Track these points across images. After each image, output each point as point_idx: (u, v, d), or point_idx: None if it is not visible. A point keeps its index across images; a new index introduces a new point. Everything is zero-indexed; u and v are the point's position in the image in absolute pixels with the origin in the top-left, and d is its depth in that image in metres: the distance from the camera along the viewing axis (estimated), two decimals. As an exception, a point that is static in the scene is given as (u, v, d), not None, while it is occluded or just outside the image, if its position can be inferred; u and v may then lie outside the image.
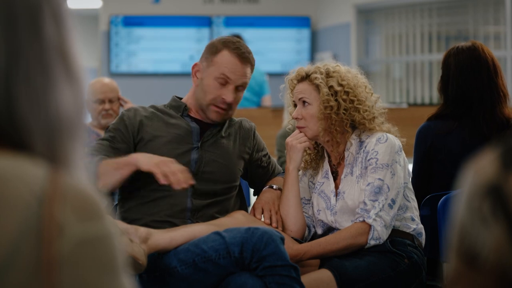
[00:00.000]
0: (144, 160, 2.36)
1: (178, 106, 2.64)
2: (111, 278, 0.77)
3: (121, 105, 3.92)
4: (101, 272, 0.76)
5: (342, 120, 2.53)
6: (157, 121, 2.58)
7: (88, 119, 3.97)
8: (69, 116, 0.81)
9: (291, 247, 2.39)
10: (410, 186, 2.59)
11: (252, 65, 2.61)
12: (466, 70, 2.88)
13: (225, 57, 2.56)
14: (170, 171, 2.28)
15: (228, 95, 2.55)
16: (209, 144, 2.59)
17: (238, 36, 5.00)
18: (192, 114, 2.64)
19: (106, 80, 3.99)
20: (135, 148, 2.53)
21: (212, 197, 2.54)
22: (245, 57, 2.57)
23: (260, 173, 2.77)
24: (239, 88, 2.58)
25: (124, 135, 2.53)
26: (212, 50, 2.59)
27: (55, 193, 0.76)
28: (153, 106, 2.66)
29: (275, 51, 9.50)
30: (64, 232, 0.75)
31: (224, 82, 2.55)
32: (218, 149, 2.60)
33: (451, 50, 2.95)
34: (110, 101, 3.87)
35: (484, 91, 2.85)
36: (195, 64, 2.63)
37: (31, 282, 0.74)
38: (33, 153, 0.79)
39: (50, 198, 0.76)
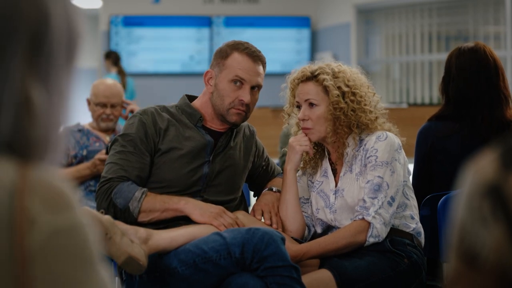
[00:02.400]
0: (196, 212, 2.43)
1: (192, 115, 2.61)
2: (85, 268, 0.78)
3: (123, 107, 3.81)
4: (74, 262, 0.77)
5: (350, 121, 2.52)
6: (173, 130, 2.56)
7: (86, 117, 3.89)
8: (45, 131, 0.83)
9: (290, 248, 2.38)
10: (410, 184, 2.59)
11: (264, 63, 2.61)
12: (466, 72, 2.87)
13: (237, 59, 2.55)
14: (228, 223, 2.42)
15: (245, 95, 2.54)
16: (220, 157, 2.59)
17: None
18: (206, 124, 2.62)
19: (110, 82, 3.78)
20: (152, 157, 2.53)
21: None
22: (256, 55, 2.57)
23: (260, 176, 2.78)
24: (254, 89, 2.58)
25: (147, 145, 2.52)
26: (222, 54, 2.58)
27: (25, 186, 0.77)
28: (165, 109, 2.62)
29: (275, 51, 9.49)
30: (36, 224, 0.76)
31: (239, 83, 2.54)
32: (227, 161, 2.60)
33: (454, 51, 2.95)
34: (112, 106, 3.69)
35: (483, 93, 2.84)
36: (207, 72, 2.60)
37: (5, 275, 0.75)
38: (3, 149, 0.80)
39: (20, 191, 0.77)
